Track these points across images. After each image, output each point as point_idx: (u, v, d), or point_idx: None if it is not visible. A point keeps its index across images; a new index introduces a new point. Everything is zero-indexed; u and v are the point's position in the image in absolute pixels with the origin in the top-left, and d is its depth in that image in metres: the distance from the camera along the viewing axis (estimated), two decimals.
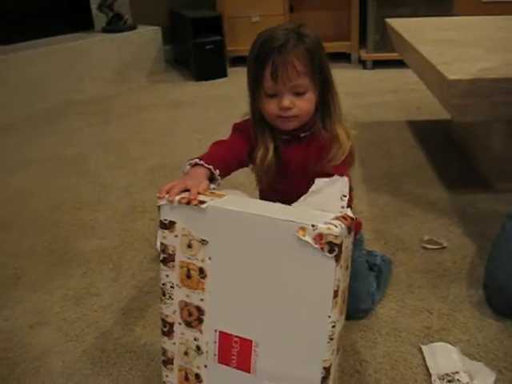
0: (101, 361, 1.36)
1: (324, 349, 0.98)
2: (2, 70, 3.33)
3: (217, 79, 3.95)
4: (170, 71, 4.26)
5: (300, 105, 1.23)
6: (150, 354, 1.36)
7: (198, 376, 1.11)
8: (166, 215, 1.05)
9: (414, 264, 1.65)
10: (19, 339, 1.46)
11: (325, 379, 0.99)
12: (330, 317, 0.96)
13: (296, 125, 1.27)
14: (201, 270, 1.05)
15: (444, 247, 1.72)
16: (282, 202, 1.04)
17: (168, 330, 1.12)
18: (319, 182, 1.10)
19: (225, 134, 1.35)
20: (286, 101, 1.21)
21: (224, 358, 1.07)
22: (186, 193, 1.05)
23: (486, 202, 1.95)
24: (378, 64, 3.97)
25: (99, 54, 3.81)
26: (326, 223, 0.92)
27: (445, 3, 3.74)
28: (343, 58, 4.11)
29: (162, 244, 1.08)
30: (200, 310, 1.07)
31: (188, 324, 1.09)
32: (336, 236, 0.91)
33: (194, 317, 1.08)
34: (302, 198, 1.07)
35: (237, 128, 1.36)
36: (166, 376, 1.16)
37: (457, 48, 2.07)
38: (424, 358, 1.30)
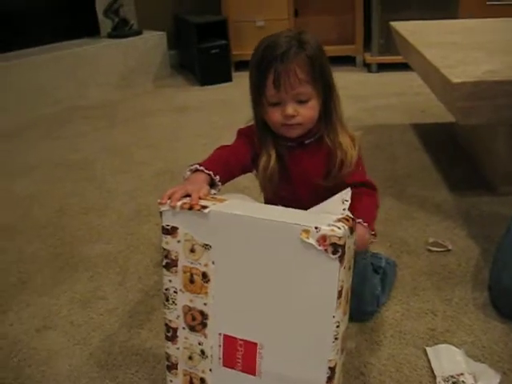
0: (107, 364, 1.37)
1: (329, 349, 0.98)
2: (8, 75, 3.35)
3: (222, 84, 3.96)
4: (175, 76, 4.28)
5: (304, 112, 1.23)
6: (156, 357, 1.37)
7: (203, 380, 1.11)
8: (169, 221, 1.06)
9: (419, 266, 1.66)
10: (25, 343, 1.46)
11: (330, 379, 1.00)
12: (334, 317, 0.96)
13: (300, 132, 1.28)
14: (204, 275, 1.05)
15: (449, 250, 1.72)
16: None
17: (172, 334, 1.12)
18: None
19: (230, 138, 1.36)
20: (290, 109, 1.21)
21: (229, 361, 1.08)
22: (188, 198, 1.05)
23: (491, 204, 1.95)
24: (383, 67, 3.97)
25: (105, 59, 3.83)
26: (328, 225, 0.93)
27: (450, 6, 3.73)
28: (348, 61, 4.11)
29: (164, 249, 1.08)
30: (203, 315, 1.07)
31: (192, 328, 1.10)
32: (339, 237, 0.92)
33: (198, 321, 1.08)
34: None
35: (241, 133, 1.36)
36: (171, 381, 1.16)
37: (461, 51, 2.07)
38: (429, 360, 1.30)
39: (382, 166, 2.36)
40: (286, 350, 1.02)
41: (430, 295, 1.53)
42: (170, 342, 1.13)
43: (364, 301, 1.43)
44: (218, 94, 3.77)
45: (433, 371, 1.27)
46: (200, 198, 1.05)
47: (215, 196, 1.10)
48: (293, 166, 1.32)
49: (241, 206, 1.07)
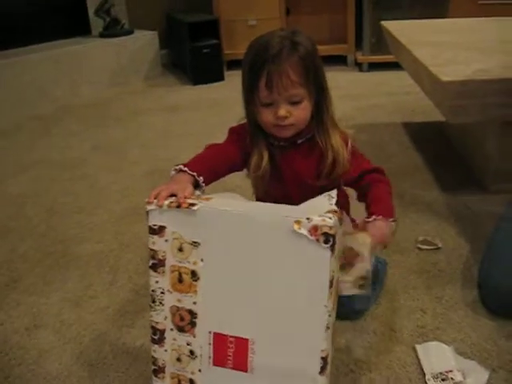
0: (97, 362, 1.37)
1: (321, 339, 0.99)
2: None
3: (214, 83, 3.96)
4: (166, 75, 4.28)
5: (296, 113, 1.23)
6: (147, 356, 1.35)
7: (192, 381, 1.11)
8: (155, 220, 1.06)
9: (409, 265, 1.66)
10: (15, 342, 1.46)
11: (323, 369, 1.01)
12: (326, 306, 0.98)
13: (292, 133, 1.27)
14: (193, 273, 1.05)
15: (439, 248, 1.73)
16: None
17: (159, 337, 1.11)
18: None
19: (222, 137, 1.36)
20: (282, 110, 1.21)
21: (219, 359, 1.07)
22: (173, 197, 1.05)
23: (481, 202, 1.96)
24: (374, 66, 3.98)
25: (96, 58, 3.83)
26: (319, 215, 0.95)
27: (440, 6, 3.75)
28: (339, 60, 4.12)
29: (151, 250, 1.07)
30: (192, 314, 1.07)
31: (180, 329, 1.09)
32: (330, 227, 0.94)
33: (187, 321, 1.08)
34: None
35: (233, 132, 1.36)
36: None
37: (451, 50, 2.08)
38: (418, 357, 1.30)
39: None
40: (278, 343, 1.03)
41: (420, 293, 1.54)
42: (156, 345, 1.12)
43: (355, 299, 1.43)
44: (210, 93, 3.77)
45: (422, 368, 1.27)
46: (185, 197, 1.05)
47: (200, 195, 1.10)
48: (285, 166, 1.32)
49: (228, 203, 1.07)
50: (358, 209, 1.38)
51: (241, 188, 1.90)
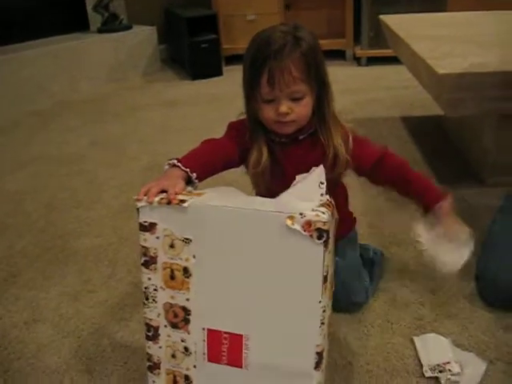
0: (96, 356, 1.37)
1: (316, 334, 0.99)
2: None
3: (212, 78, 3.96)
4: (165, 70, 4.27)
5: (297, 110, 1.21)
6: (145, 349, 1.37)
7: (187, 378, 1.11)
8: (146, 217, 1.05)
9: (407, 257, 1.67)
10: (15, 336, 1.47)
11: (318, 364, 1.01)
12: (320, 302, 0.97)
13: (294, 129, 1.26)
14: (185, 270, 1.04)
15: None
16: None
17: (153, 334, 1.11)
18: (298, 177, 1.10)
19: (220, 132, 1.35)
20: (284, 107, 1.19)
21: (214, 355, 1.07)
22: (164, 194, 1.04)
23: (479, 195, 1.97)
24: (373, 61, 3.99)
25: (95, 54, 3.82)
26: (313, 210, 0.94)
27: (438, 0, 3.74)
28: (338, 55, 4.13)
29: (142, 247, 1.06)
30: (186, 310, 1.07)
31: (174, 326, 1.09)
32: (324, 222, 0.93)
33: (180, 318, 1.08)
34: (281, 195, 1.06)
35: (231, 127, 1.34)
36: (153, 382, 1.14)
37: (448, 43, 2.08)
38: (416, 349, 1.31)
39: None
40: (273, 339, 1.03)
41: (418, 285, 1.54)
42: (151, 342, 1.12)
43: (353, 292, 1.44)
44: (209, 88, 3.77)
45: (420, 360, 1.28)
46: (176, 193, 1.04)
47: (191, 191, 1.08)
48: (287, 162, 1.30)
49: (219, 197, 1.05)
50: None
51: (237, 182, 1.90)
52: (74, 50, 3.72)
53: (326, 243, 0.94)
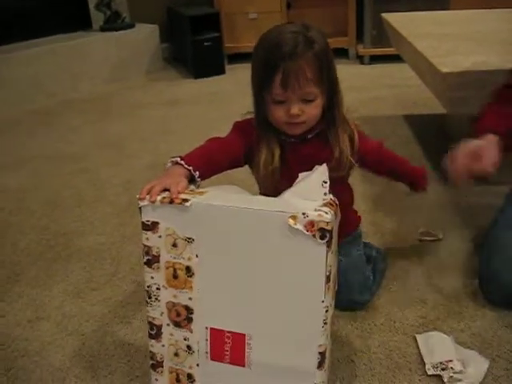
0: (99, 354, 1.37)
1: (319, 334, 0.99)
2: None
3: (215, 76, 3.95)
4: (167, 69, 4.27)
5: (308, 111, 1.21)
6: (148, 347, 1.37)
7: (190, 376, 1.11)
8: (148, 216, 1.05)
9: (410, 255, 1.67)
10: (18, 334, 1.47)
11: (320, 364, 1.01)
12: (323, 302, 0.97)
13: (303, 130, 1.26)
14: (188, 269, 1.04)
15: (440, 239, 1.73)
16: None
17: (156, 332, 1.11)
18: (301, 175, 1.09)
19: (223, 130, 1.34)
20: (295, 109, 1.19)
21: (216, 354, 1.08)
22: (166, 192, 1.04)
23: (481, 194, 1.96)
24: (375, 59, 3.98)
25: (97, 52, 3.82)
26: (316, 210, 0.94)
27: None
28: (341, 53, 4.11)
29: (145, 246, 1.06)
30: (189, 309, 1.07)
31: (177, 324, 1.09)
32: (327, 222, 0.93)
33: (183, 316, 1.08)
34: (284, 193, 1.06)
35: (237, 127, 1.33)
36: (156, 380, 1.15)
37: (451, 41, 2.08)
38: (418, 347, 1.31)
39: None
40: (276, 339, 1.03)
41: (421, 283, 1.55)
42: (154, 340, 1.12)
43: (357, 290, 1.44)
44: (211, 86, 3.76)
45: (422, 358, 1.28)
46: (178, 192, 1.03)
47: (194, 189, 1.08)
48: (294, 162, 1.29)
49: (222, 196, 1.05)
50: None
51: (243, 181, 1.91)
52: (76, 48, 3.72)
53: (328, 243, 0.94)
